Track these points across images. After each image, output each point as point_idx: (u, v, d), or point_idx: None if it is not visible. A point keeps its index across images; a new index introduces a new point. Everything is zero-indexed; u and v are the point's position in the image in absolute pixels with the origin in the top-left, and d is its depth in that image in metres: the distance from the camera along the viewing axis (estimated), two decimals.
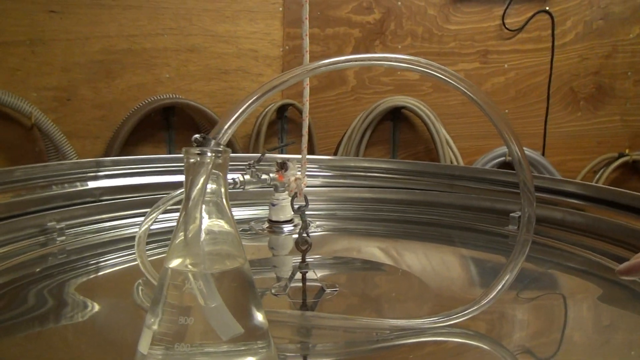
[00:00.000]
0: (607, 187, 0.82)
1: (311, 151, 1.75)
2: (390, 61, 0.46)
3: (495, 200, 0.95)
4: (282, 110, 1.86)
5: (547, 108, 1.85)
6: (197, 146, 0.40)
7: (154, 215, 0.54)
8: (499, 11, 1.83)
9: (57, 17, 1.58)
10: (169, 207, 0.54)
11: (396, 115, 1.90)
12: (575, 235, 0.81)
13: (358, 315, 0.53)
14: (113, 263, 0.74)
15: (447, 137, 1.80)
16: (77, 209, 0.86)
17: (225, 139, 0.41)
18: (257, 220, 0.93)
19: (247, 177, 0.95)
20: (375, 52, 1.88)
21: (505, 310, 0.57)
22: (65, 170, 0.90)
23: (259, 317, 0.40)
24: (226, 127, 0.40)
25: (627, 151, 1.81)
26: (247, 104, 0.41)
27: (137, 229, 0.52)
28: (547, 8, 1.81)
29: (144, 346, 0.38)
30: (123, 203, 0.91)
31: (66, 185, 0.89)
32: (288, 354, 0.48)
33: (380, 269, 0.71)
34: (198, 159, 0.39)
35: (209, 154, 0.39)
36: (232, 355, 0.38)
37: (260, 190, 0.97)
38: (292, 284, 0.61)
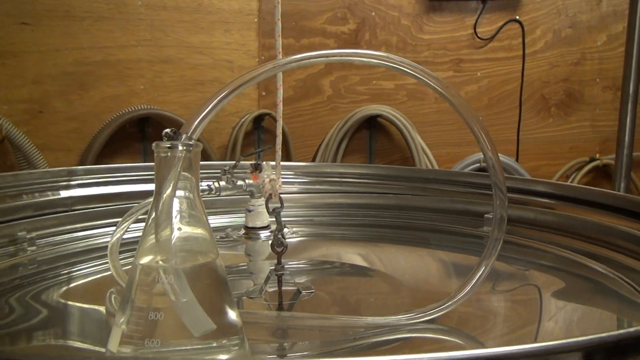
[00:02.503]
0: (575, 185, 0.84)
1: (288, 160, 1.75)
2: (362, 57, 0.47)
3: (468, 202, 0.96)
4: (258, 120, 1.86)
5: (520, 115, 1.89)
6: (168, 140, 0.39)
7: (126, 223, 0.53)
8: (471, 21, 1.86)
9: (28, 29, 1.56)
10: (141, 216, 0.53)
11: (372, 124, 1.91)
12: (547, 233, 0.82)
13: (335, 314, 0.53)
14: (85, 273, 0.72)
15: (423, 144, 1.82)
16: (48, 218, 0.84)
17: (196, 133, 0.41)
18: (234, 227, 0.92)
19: (223, 183, 0.95)
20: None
21: (480, 305, 0.57)
22: (36, 180, 0.88)
23: (232, 314, 0.40)
24: (197, 121, 0.41)
25: (597, 155, 1.86)
26: (218, 98, 0.41)
27: (109, 238, 0.51)
28: (517, 17, 1.86)
29: (113, 344, 0.37)
30: (96, 212, 0.89)
31: (37, 194, 0.88)
32: (264, 355, 0.48)
33: (357, 271, 0.71)
34: (169, 153, 0.39)
35: (180, 148, 0.39)
36: (204, 352, 0.37)
37: (236, 198, 0.97)
38: (269, 288, 0.61)
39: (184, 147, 0.39)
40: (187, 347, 0.36)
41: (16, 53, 1.55)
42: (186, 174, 0.39)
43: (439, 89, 0.48)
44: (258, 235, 0.87)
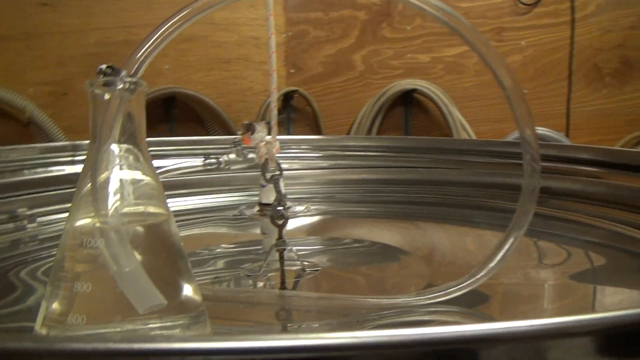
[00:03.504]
0: (627, 149, 0.73)
1: None
2: None
3: (508, 174, 0.86)
4: (287, 99, 1.78)
5: (570, 86, 1.74)
6: (104, 77, 0.32)
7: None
8: None
9: (49, 9, 1.54)
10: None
11: (407, 100, 1.81)
12: (596, 207, 0.71)
13: (337, 294, 0.44)
14: None
15: (463, 121, 1.71)
16: (50, 195, 0.80)
17: (139, 70, 0.34)
18: (248, 205, 0.86)
19: (232, 156, 0.88)
20: (383, 34, 1.79)
21: (508, 288, 0.48)
22: (37, 154, 0.84)
23: (188, 287, 0.32)
24: (138, 55, 0.33)
25: None
26: (164, 28, 0.34)
27: None
28: None
29: (39, 323, 0.31)
30: None
31: (39, 169, 0.83)
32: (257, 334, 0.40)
33: (380, 249, 0.62)
34: (106, 93, 0.32)
35: (119, 86, 0.32)
36: (151, 331, 0.30)
37: (250, 175, 0.90)
38: (269, 265, 0.54)
39: (124, 85, 0.32)
40: (118, 328, 0.28)
41: (38, 34, 1.53)
42: (128, 116, 0.32)
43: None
44: None
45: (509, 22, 1.75)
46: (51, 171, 0.85)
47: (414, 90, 1.76)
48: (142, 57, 0.33)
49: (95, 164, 0.31)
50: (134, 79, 0.32)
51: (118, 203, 0.31)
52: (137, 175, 0.33)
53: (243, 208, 0.86)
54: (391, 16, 1.77)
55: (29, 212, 0.76)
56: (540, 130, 1.65)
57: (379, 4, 1.75)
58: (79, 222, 0.31)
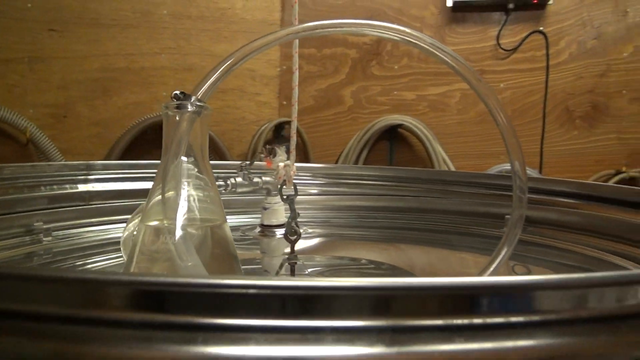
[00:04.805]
0: (600, 183, 0.81)
1: None
2: (376, 29, 0.46)
3: (490, 204, 0.94)
4: (278, 129, 1.86)
5: (544, 127, 1.85)
6: (177, 101, 0.39)
7: (137, 219, 0.53)
8: (494, 32, 1.85)
9: (56, 35, 1.59)
10: None
11: (393, 135, 1.90)
12: (572, 234, 0.79)
13: None
14: (99, 265, 0.72)
15: (445, 155, 1.80)
16: (65, 210, 0.85)
17: (206, 96, 0.40)
18: (250, 227, 0.91)
19: (239, 179, 0.94)
20: (372, 72, 1.90)
21: None
22: (54, 172, 0.89)
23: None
24: (207, 84, 0.40)
25: (624, 169, 1.81)
26: (228, 63, 0.41)
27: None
28: (541, 28, 1.84)
29: None
30: (112, 207, 0.89)
31: (55, 187, 0.88)
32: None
33: (372, 266, 0.69)
34: (177, 114, 0.38)
35: (190, 108, 0.38)
36: None
37: (252, 198, 0.96)
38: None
39: (193, 108, 0.38)
40: None
41: (44, 59, 1.59)
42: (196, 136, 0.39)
43: (457, 67, 0.46)
44: (274, 232, 0.86)
45: (490, 65, 1.87)
46: (65, 188, 0.89)
47: (399, 126, 1.85)
48: (209, 87, 0.39)
49: (166, 175, 0.37)
50: (201, 104, 0.38)
51: (185, 209, 0.38)
52: (200, 185, 0.39)
53: (245, 229, 0.91)
54: (380, 55, 1.87)
55: (45, 226, 0.80)
56: None
57: (369, 43, 1.86)
58: (151, 222, 0.38)
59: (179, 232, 0.36)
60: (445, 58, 0.50)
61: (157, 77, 1.73)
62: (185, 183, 0.38)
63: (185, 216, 0.38)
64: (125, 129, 1.66)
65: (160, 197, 0.37)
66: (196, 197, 0.39)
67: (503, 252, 0.48)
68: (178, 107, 0.38)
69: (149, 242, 0.36)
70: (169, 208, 0.36)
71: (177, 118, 0.38)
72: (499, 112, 0.52)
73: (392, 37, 0.46)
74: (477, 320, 0.22)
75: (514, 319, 0.22)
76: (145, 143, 1.71)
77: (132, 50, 1.68)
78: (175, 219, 0.36)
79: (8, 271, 0.26)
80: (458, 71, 0.52)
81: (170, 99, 0.39)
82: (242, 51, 0.41)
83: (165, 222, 0.37)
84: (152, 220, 0.37)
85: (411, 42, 0.47)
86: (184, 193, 0.38)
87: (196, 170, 0.39)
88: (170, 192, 0.37)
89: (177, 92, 0.38)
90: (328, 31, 0.44)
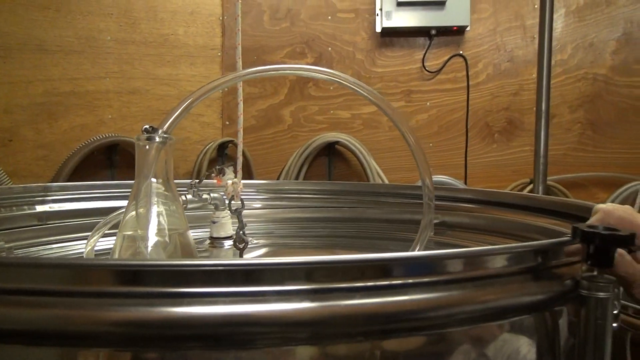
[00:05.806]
0: (497, 191, 0.96)
1: None
2: (312, 72, 0.57)
3: (414, 212, 1.07)
4: (222, 148, 1.95)
5: (467, 141, 2.04)
6: (147, 134, 0.49)
7: (96, 236, 0.61)
8: (419, 55, 2.02)
9: (0, 61, 1.62)
10: (108, 231, 0.61)
11: (331, 151, 2.03)
12: (478, 234, 0.93)
13: None
14: None
15: (379, 169, 1.94)
16: (24, 230, 0.91)
17: (170, 129, 0.50)
18: (199, 240, 1.00)
19: (189, 196, 1.03)
20: (309, 93, 2.02)
21: None
22: (14, 194, 0.95)
23: None
24: (171, 119, 0.50)
25: None
26: (188, 101, 0.51)
27: (83, 250, 0.59)
28: (461, 52, 2.03)
29: None
30: (69, 226, 0.96)
31: (14, 208, 0.94)
32: None
33: None
34: (147, 144, 0.48)
35: (158, 139, 0.48)
36: None
37: (200, 214, 1.05)
38: None
39: (160, 139, 0.48)
40: None
41: None
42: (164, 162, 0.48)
43: (371, 97, 0.58)
44: (222, 244, 0.95)
45: (417, 85, 2.04)
46: (24, 209, 0.96)
47: (336, 142, 1.99)
48: (173, 121, 0.49)
49: (138, 193, 0.47)
50: (166, 135, 0.48)
51: (155, 221, 0.47)
52: (167, 200, 0.49)
53: (195, 242, 1.00)
54: None
55: (7, 245, 0.86)
56: (442, 177, 1.93)
57: None
58: (128, 232, 0.47)
59: (151, 239, 0.45)
60: (364, 93, 0.62)
61: (102, 100, 1.78)
62: (155, 200, 0.48)
63: (156, 226, 0.47)
64: (71, 151, 1.70)
65: (134, 212, 0.47)
66: (164, 211, 0.49)
67: (416, 250, 0.60)
68: (148, 138, 0.48)
69: (126, 248, 0.46)
70: (142, 220, 0.46)
71: (147, 147, 0.48)
72: (409, 135, 0.65)
73: (322, 77, 0.57)
74: (369, 283, 0.33)
75: (394, 282, 0.34)
76: (93, 164, 1.76)
77: (77, 75, 1.73)
78: (147, 229, 0.46)
79: (17, 261, 0.36)
80: (375, 103, 0.65)
81: (141, 132, 0.48)
82: (200, 91, 0.51)
83: (139, 231, 0.46)
84: (128, 230, 0.47)
85: (338, 82, 0.59)
86: (154, 208, 0.48)
87: (163, 189, 0.49)
88: (142, 208, 0.47)
89: (147, 126, 0.48)
90: (271, 74, 0.55)
